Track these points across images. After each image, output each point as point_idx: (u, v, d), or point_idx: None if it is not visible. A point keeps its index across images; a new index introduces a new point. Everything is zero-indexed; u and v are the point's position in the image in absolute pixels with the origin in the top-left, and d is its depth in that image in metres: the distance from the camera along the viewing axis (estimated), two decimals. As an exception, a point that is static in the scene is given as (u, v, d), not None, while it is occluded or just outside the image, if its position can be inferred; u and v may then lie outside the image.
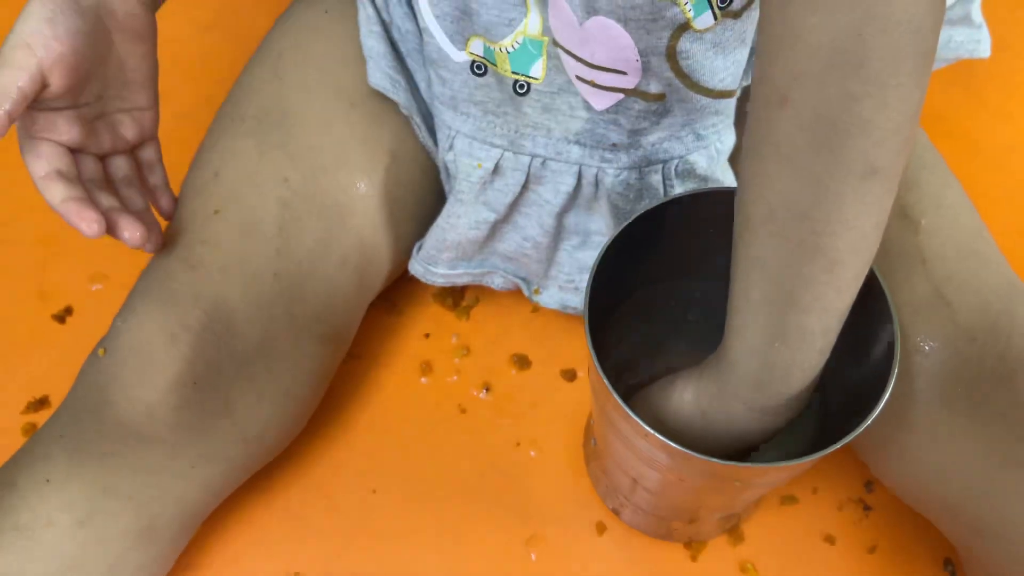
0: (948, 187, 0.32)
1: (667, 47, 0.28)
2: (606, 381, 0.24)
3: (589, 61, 0.29)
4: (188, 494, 0.31)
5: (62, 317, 0.40)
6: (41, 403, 0.38)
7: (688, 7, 0.27)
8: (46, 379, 0.38)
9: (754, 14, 0.29)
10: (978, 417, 0.28)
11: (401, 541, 0.34)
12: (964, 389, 0.28)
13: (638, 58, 0.28)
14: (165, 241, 0.32)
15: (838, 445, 0.24)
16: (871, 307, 0.26)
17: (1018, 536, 0.27)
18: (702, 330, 0.30)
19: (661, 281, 0.31)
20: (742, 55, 0.30)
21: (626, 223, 0.27)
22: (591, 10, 0.27)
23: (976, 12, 0.37)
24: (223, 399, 0.31)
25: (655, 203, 0.28)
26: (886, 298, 0.26)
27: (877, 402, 0.24)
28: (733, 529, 0.34)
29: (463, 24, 0.30)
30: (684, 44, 0.28)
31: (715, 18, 0.28)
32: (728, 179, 0.33)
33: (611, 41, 0.28)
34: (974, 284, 0.29)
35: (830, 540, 0.34)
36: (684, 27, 0.28)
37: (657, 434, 0.24)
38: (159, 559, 0.32)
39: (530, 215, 0.34)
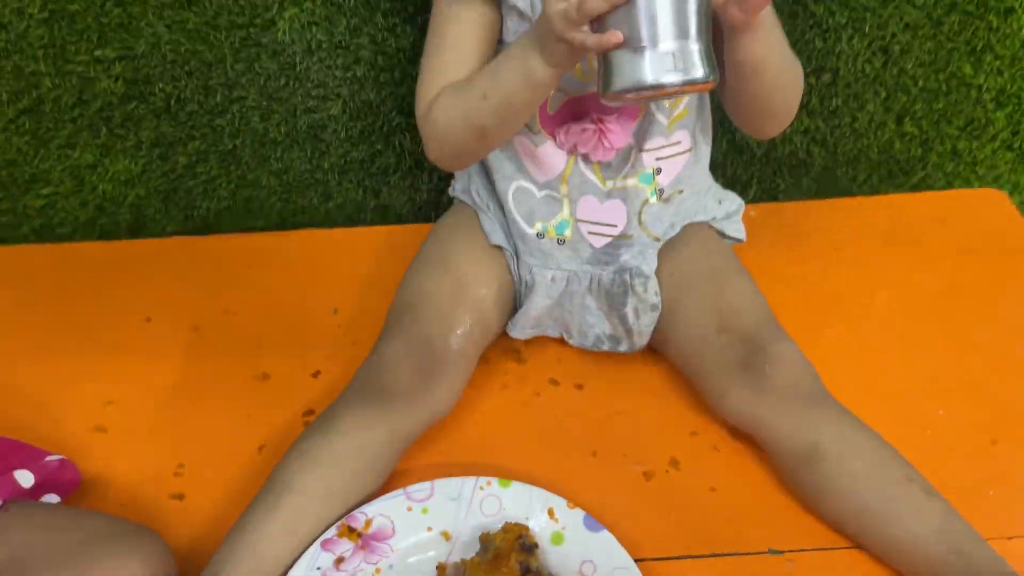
0: None
1: (639, 211, 0.69)
2: None
3: (601, 222, 0.69)
4: (414, 428, 0.65)
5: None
6: (316, 375, 0.74)
7: (652, 197, 0.68)
8: (322, 363, 0.75)
9: (676, 203, 0.71)
10: None
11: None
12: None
13: (627, 218, 0.68)
14: (395, 311, 0.70)
15: None
16: None
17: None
18: None
19: None
20: (668, 224, 0.70)
21: None
22: (611, 196, 0.68)
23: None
24: (430, 382, 0.65)
25: None
26: None
27: None
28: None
29: (530, 214, 0.71)
30: (646, 209, 0.69)
31: (659, 199, 0.69)
32: (647, 259, 0.70)
33: (616, 212, 0.68)
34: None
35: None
36: (646, 202, 0.69)
37: None
38: (392, 461, 0.64)
39: (567, 300, 0.72)
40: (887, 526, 0.59)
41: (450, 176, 0.83)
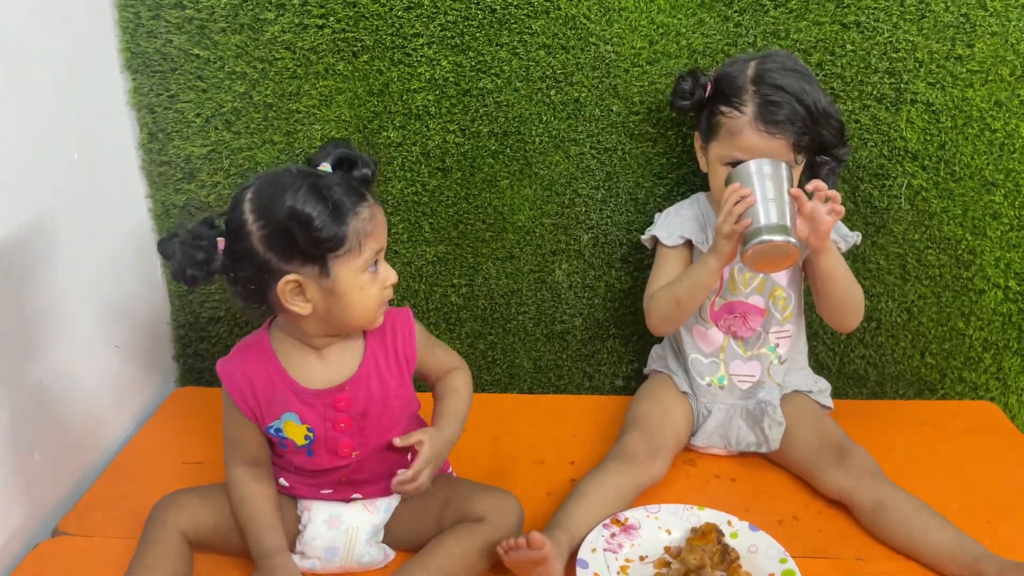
0: None
1: (768, 368, 1.25)
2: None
3: (745, 374, 1.25)
4: (643, 484, 1.16)
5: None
6: (572, 463, 1.25)
7: (775, 360, 1.26)
8: (573, 456, 1.26)
9: (787, 366, 1.28)
10: None
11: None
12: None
13: (760, 372, 1.25)
14: (628, 421, 1.25)
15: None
16: None
17: None
18: None
19: None
20: (784, 375, 1.26)
21: None
22: (750, 360, 1.25)
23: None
24: (652, 459, 1.18)
25: None
26: None
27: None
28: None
29: (702, 374, 1.27)
30: (772, 367, 1.25)
31: (779, 362, 1.26)
32: (774, 396, 1.25)
33: (754, 369, 1.25)
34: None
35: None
36: (771, 362, 1.26)
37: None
38: (634, 497, 1.14)
39: (728, 422, 1.25)
40: (924, 538, 1.06)
41: (637, 368, 1.42)
